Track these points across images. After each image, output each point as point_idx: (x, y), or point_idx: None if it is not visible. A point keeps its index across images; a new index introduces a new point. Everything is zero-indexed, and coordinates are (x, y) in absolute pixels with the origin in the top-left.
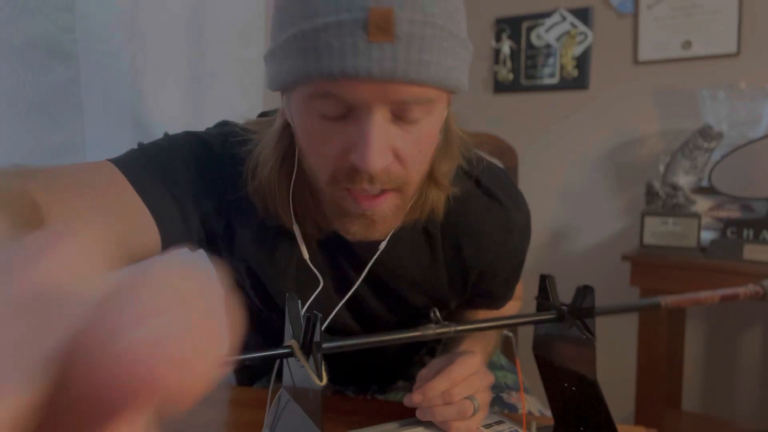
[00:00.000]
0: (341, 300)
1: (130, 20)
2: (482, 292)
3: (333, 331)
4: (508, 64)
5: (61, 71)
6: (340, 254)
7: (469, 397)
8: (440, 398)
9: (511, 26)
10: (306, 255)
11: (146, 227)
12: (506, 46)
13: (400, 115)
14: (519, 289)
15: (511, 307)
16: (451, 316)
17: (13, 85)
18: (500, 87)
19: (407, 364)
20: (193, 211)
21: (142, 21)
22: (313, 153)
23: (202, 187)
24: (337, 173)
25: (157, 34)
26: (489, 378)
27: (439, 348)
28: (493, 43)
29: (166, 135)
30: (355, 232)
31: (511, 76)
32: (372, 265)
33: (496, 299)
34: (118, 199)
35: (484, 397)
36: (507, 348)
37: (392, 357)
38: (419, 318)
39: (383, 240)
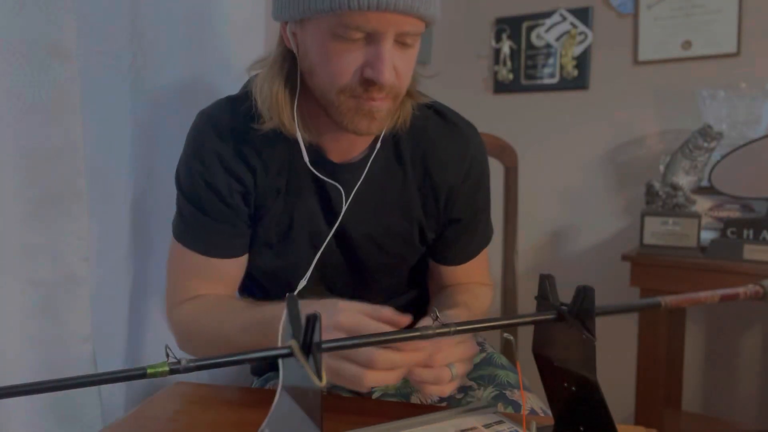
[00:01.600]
0: (324, 218)
1: (130, 20)
2: (453, 218)
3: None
4: (508, 64)
5: (61, 71)
6: (326, 175)
7: (449, 365)
8: (421, 360)
9: (511, 26)
10: (306, 157)
11: (228, 265)
12: (506, 46)
13: (400, 42)
14: (487, 275)
15: (485, 294)
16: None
17: (13, 85)
18: (500, 87)
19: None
20: (234, 201)
21: (142, 21)
22: (330, 68)
23: (228, 166)
24: (351, 84)
25: (157, 34)
26: (473, 349)
27: (430, 307)
28: (493, 43)
29: (177, 178)
30: (361, 127)
31: (511, 76)
32: (353, 190)
33: (467, 230)
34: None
35: (462, 368)
36: (507, 350)
37: None
38: (399, 246)
39: (362, 163)
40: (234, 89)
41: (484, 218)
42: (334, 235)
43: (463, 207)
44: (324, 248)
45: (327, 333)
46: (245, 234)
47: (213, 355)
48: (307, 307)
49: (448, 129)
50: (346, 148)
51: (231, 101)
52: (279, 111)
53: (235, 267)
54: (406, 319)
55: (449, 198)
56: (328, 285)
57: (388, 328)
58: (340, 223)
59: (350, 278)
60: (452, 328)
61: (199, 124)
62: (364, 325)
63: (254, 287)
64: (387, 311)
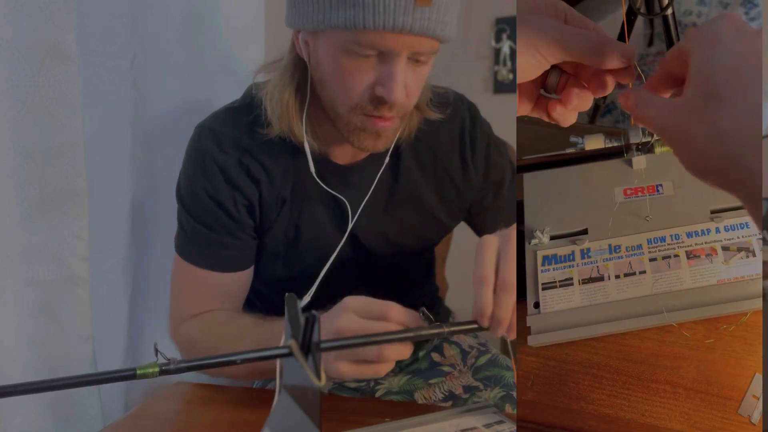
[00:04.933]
0: (333, 223)
1: (130, 20)
2: (482, 189)
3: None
4: (508, 64)
5: (60, 71)
6: (334, 180)
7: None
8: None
9: (511, 26)
10: (312, 168)
11: (233, 279)
12: (506, 46)
13: (413, 59)
14: None
15: None
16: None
17: (13, 85)
18: (500, 87)
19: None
20: (239, 214)
21: (142, 21)
22: (342, 84)
23: (231, 179)
24: (361, 101)
25: (157, 34)
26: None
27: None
28: (493, 43)
29: (179, 193)
30: (366, 145)
31: (511, 76)
32: (359, 185)
33: (500, 193)
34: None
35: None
36: (504, 349)
37: None
38: (411, 241)
39: (369, 165)
40: (234, 90)
41: (513, 180)
42: (348, 241)
43: (484, 174)
44: (339, 254)
45: (334, 319)
46: (251, 247)
47: (206, 356)
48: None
49: (442, 110)
50: (353, 154)
51: (231, 112)
52: (289, 120)
53: (241, 281)
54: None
55: (465, 173)
56: (337, 290)
57: (396, 306)
58: (356, 227)
59: (360, 281)
60: (444, 329)
61: (200, 137)
62: (373, 303)
63: (258, 301)
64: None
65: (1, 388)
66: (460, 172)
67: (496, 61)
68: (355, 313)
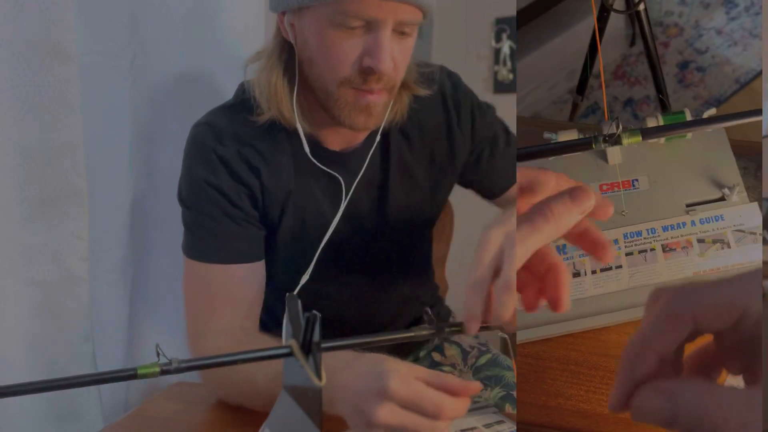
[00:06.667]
0: (332, 205)
1: (130, 20)
2: (472, 154)
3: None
4: (508, 64)
5: (60, 71)
6: (328, 164)
7: None
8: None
9: (511, 26)
10: (307, 149)
11: (246, 277)
12: (506, 46)
13: (398, 31)
14: None
15: None
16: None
17: (13, 85)
18: (500, 87)
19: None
20: (242, 203)
21: (142, 21)
22: (329, 58)
23: (233, 170)
24: (350, 75)
25: (157, 34)
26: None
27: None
28: (493, 43)
29: (180, 194)
30: (358, 122)
31: (511, 76)
32: (354, 169)
33: (493, 156)
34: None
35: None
36: (505, 349)
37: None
38: (407, 218)
39: (364, 151)
40: (233, 88)
41: (509, 140)
42: (348, 225)
43: (471, 135)
44: (340, 239)
45: (371, 401)
46: (257, 237)
47: (206, 356)
48: (350, 362)
49: (425, 83)
50: (346, 139)
51: (226, 109)
52: (278, 102)
53: (254, 279)
54: (476, 385)
55: (453, 140)
56: (344, 283)
57: (450, 400)
58: (354, 210)
59: (365, 269)
60: (445, 329)
61: (198, 133)
62: (424, 396)
63: (263, 312)
64: (452, 378)
65: (1, 388)
66: (447, 140)
67: (496, 61)
68: (397, 404)
